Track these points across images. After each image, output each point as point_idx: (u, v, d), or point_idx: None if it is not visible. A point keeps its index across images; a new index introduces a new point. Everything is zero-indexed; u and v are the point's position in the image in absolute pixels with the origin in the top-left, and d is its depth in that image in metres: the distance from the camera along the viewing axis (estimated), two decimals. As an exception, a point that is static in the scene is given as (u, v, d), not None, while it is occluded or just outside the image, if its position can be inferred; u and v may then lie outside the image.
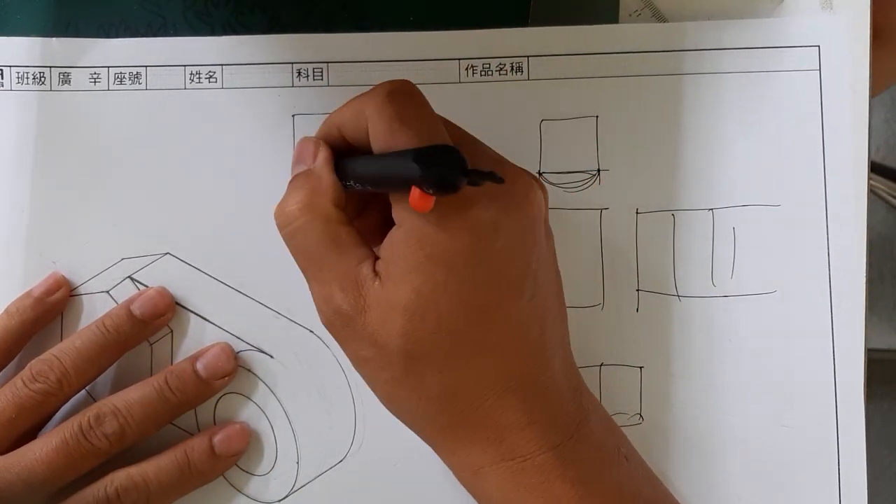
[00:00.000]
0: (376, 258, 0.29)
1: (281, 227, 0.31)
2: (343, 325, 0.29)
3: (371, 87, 0.30)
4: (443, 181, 0.25)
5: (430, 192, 0.25)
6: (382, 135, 0.29)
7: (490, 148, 0.32)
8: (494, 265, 0.28)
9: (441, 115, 0.37)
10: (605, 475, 0.30)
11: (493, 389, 0.29)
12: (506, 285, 0.29)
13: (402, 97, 0.30)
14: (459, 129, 0.32)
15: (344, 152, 0.32)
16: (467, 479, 0.31)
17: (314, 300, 0.30)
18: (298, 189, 0.31)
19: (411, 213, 0.28)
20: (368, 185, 0.30)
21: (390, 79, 0.31)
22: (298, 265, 0.31)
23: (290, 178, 0.32)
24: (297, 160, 0.32)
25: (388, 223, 0.30)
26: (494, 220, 0.28)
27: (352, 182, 0.30)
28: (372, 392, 0.31)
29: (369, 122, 0.29)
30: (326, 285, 0.29)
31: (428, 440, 0.31)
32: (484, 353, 0.29)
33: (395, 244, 0.29)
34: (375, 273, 0.29)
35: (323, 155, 0.31)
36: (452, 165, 0.25)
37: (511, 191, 0.29)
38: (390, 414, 0.37)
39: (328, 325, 0.30)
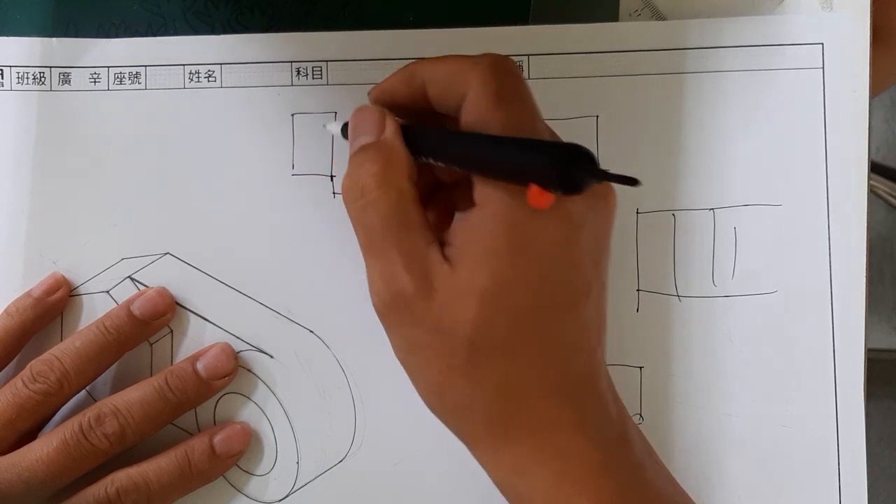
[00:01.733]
0: (443, 243, 0.28)
1: (352, 200, 0.29)
2: (402, 307, 0.28)
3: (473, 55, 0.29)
4: (574, 183, 0.24)
5: (558, 191, 0.25)
6: (482, 108, 0.28)
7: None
8: (574, 262, 0.28)
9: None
10: (646, 477, 0.30)
11: (552, 388, 0.28)
12: (580, 284, 0.28)
13: (509, 74, 0.29)
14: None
15: (413, 108, 0.30)
16: (507, 478, 0.29)
17: (370, 281, 0.29)
18: (370, 161, 0.29)
19: (499, 197, 0.27)
20: (456, 165, 0.28)
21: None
22: (360, 240, 0.29)
23: (350, 150, 0.30)
24: (359, 130, 0.30)
25: (447, 214, 0.29)
26: (582, 217, 0.27)
27: (431, 158, 0.29)
28: (413, 384, 0.30)
29: (470, 89, 0.28)
30: (391, 264, 0.28)
31: (470, 435, 0.30)
32: (550, 350, 0.28)
33: (473, 227, 0.27)
34: (445, 258, 0.28)
35: (392, 126, 0.30)
36: (585, 167, 0.24)
37: (595, 189, 0.28)
38: (390, 414, 0.37)
39: (383, 306, 0.29)
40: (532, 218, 0.27)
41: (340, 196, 0.37)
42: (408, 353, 0.30)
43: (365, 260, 0.30)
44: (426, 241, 0.28)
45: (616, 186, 0.37)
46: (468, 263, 0.27)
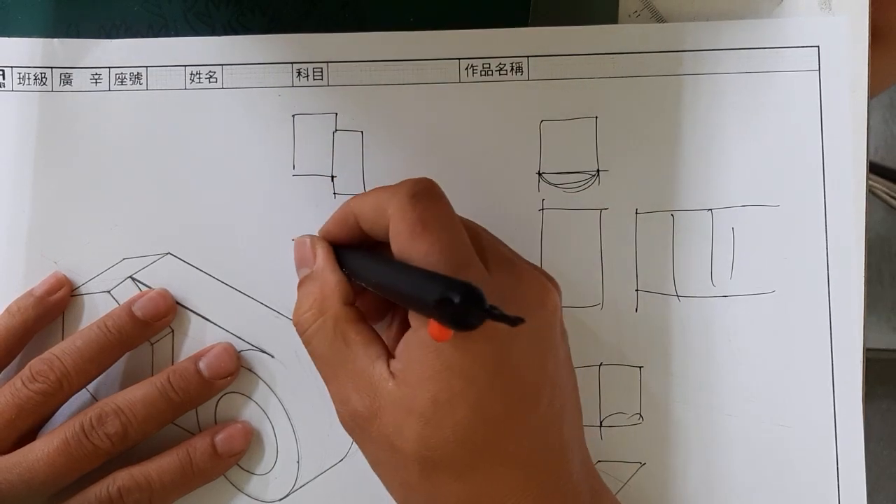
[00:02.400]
0: (390, 357, 0.29)
1: (299, 334, 0.31)
2: (359, 426, 0.29)
3: (395, 184, 0.30)
4: (463, 322, 0.25)
5: (450, 328, 0.25)
6: (403, 238, 0.29)
7: (507, 247, 0.32)
8: (512, 374, 0.28)
9: (441, 114, 0.37)
10: None
11: (512, 498, 0.28)
12: (524, 393, 0.28)
13: (427, 200, 0.29)
14: (478, 226, 0.32)
15: (357, 241, 0.32)
16: None
17: (333, 402, 0.30)
18: (307, 295, 0.31)
19: (426, 323, 0.27)
20: (381, 293, 0.29)
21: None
22: (317, 368, 0.31)
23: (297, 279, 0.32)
24: (299, 263, 0.33)
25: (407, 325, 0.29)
26: (511, 329, 0.27)
27: (362, 283, 0.30)
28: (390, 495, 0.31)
29: (391, 220, 0.29)
30: (342, 387, 0.29)
31: None
32: (502, 462, 0.28)
33: (411, 349, 0.28)
34: (391, 373, 0.28)
35: (321, 255, 0.32)
36: (473, 305, 0.25)
37: (526, 296, 0.28)
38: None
39: (345, 426, 0.30)
40: (459, 342, 0.27)
41: (341, 196, 0.37)
42: (374, 466, 0.30)
43: (324, 382, 0.31)
44: (370, 358, 0.29)
45: (615, 186, 0.37)
46: (409, 383, 0.28)
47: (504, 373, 0.28)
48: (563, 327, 0.31)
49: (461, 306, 0.25)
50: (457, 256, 0.28)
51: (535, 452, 0.29)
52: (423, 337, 0.28)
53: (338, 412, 0.30)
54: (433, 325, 0.25)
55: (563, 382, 0.30)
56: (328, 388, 0.31)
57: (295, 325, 0.31)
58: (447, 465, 0.28)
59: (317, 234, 0.34)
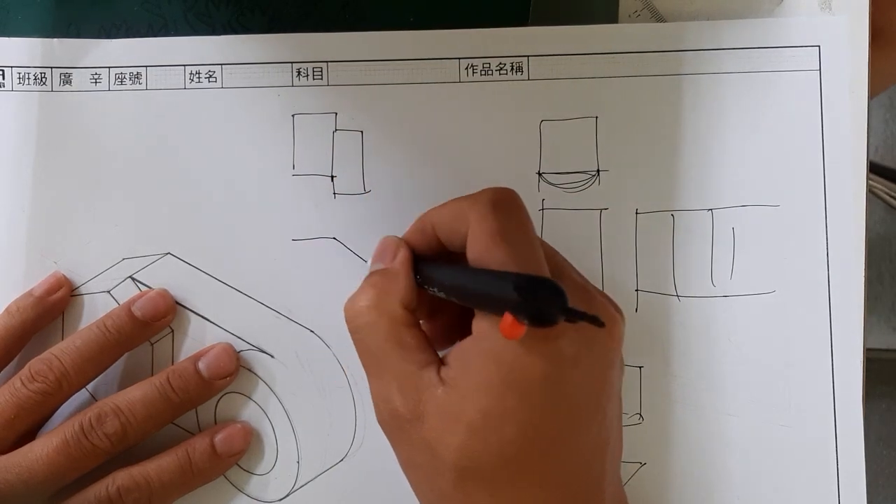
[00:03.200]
0: (441, 364, 0.29)
1: (348, 322, 0.31)
2: (398, 427, 0.29)
3: (475, 191, 0.30)
4: (541, 315, 0.25)
5: (525, 322, 0.25)
6: (481, 246, 0.28)
7: (578, 272, 0.31)
8: (568, 398, 0.28)
9: (441, 114, 0.37)
10: None
11: None
12: (575, 419, 0.28)
13: (506, 210, 0.29)
14: (552, 249, 0.31)
15: (433, 252, 0.32)
16: None
17: (372, 397, 0.30)
18: (370, 287, 0.30)
19: (493, 331, 0.27)
20: (454, 297, 0.29)
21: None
22: (361, 361, 0.30)
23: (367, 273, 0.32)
24: (376, 257, 0.32)
25: (460, 328, 0.29)
26: (576, 354, 0.27)
27: (435, 289, 0.30)
28: (415, 495, 0.30)
29: (469, 229, 0.29)
30: (386, 386, 0.29)
31: None
32: (541, 483, 0.28)
33: (468, 357, 0.28)
34: (440, 380, 0.28)
35: (402, 255, 0.31)
36: (553, 300, 0.25)
37: (594, 326, 0.28)
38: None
39: (383, 424, 0.30)
40: (522, 355, 0.27)
41: (341, 196, 0.37)
42: (406, 468, 0.30)
43: (366, 375, 0.31)
44: (420, 363, 0.29)
45: (615, 186, 0.37)
46: (460, 392, 0.27)
47: (559, 396, 0.27)
48: (621, 359, 0.31)
49: (543, 299, 0.24)
50: (533, 268, 0.28)
51: (574, 479, 0.28)
52: (486, 346, 0.27)
53: (376, 408, 0.30)
54: (506, 321, 0.25)
55: (613, 415, 0.30)
56: (370, 382, 0.30)
57: (347, 312, 0.31)
58: (485, 478, 0.27)
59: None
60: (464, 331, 0.29)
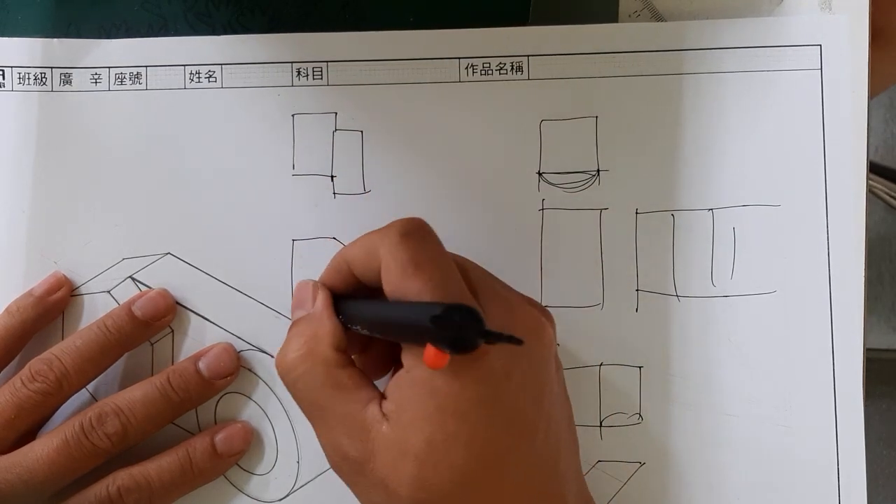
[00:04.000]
0: (382, 397, 0.29)
1: (282, 376, 0.30)
2: (352, 471, 0.29)
3: (383, 226, 0.30)
4: (460, 343, 0.25)
5: (446, 351, 0.25)
6: (395, 278, 0.28)
7: (500, 282, 0.31)
8: (507, 411, 0.28)
9: (441, 114, 0.37)
10: None
11: None
12: (519, 429, 0.28)
13: (417, 239, 0.29)
14: (469, 262, 0.31)
15: (352, 290, 0.31)
16: None
17: (322, 447, 0.30)
18: (298, 336, 0.30)
19: (421, 361, 0.27)
20: (377, 333, 0.29)
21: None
22: (304, 412, 0.30)
23: (290, 322, 0.32)
24: (297, 305, 0.32)
25: (393, 357, 0.29)
26: (506, 367, 0.27)
27: (359, 327, 0.30)
28: None
29: (382, 262, 0.29)
30: (332, 432, 0.29)
31: None
32: (499, 499, 0.28)
33: (403, 389, 0.28)
34: (383, 415, 0.28)
35: (322, 298, 0.31)
36: (469, 325, 0.25)
37: (520, 331, 0.28)
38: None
39: (337, 470, 0.30)
40: (453, 380, 0.27)
41: (341, 196, 0.37)
42: None
43: (312, 427, 0.30)
44: (362, 402, 0.28)
45: (615, 186, 0.37)
46: (403, 424, 0.27)
47: (499, 411, 0.27)
48: (558, 360, 0.31)
49: (459, 326, 0.24)
50: (450, 293, 0.28)
51: (531, 488, 0.28)
52: (416, 376, 0.27)
53: (328, 457, 0.30)
54: (429, 352, 0.25)
55: (559, 416, 0.30)
56: (317, 432, 0.30)
57: (278, 367, 0.30)
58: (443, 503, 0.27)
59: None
60: (397, 358, 0.29)
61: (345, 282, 0.32)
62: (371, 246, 0.30)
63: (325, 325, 0.30)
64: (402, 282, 0.28)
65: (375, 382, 0.30)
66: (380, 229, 0.30)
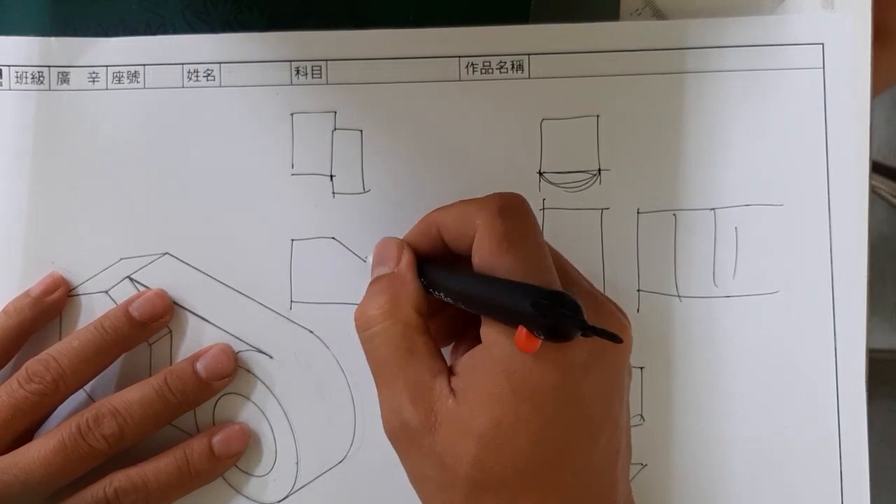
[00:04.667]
0: (450, 373, 0.28)
1: (360, 330, 0.30)
2: (408, 438, 0.28)
3: (483, 196, 0.30)
4: (558, 331, 0.24)
5: (541, 337, 0.25)
6: (488, 251, 0.28)
7: (584, 278, 0.31)
8: (580, 407, 0.27)
9: (441, 113, 0.37)
10: None
11: None
12: (587, 428, 0.28)
13: (515, 216, 0.29)
14: (558, 254, 0.31)
15: (435, 253, 0.31)
16: None
17: (381, 408, 0.29)
18: (380, 293, 0.30)
19: (502, 340, 0.27)
20: (462, 303, 0.28)
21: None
22: (371, 369, 0.30)
23: (370, 279, 0.32)
24: (379, 262, 0.32)
25: (458, 328, 0.29)
26: (586, 363, 0.27)
27: (442, 294, 0.29)
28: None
29: (477, 233, 0.29)
30: (397, 395, 0.28)
31: None
32: (553, 494, 0.27)
33: (477, 367, 0.27)
34: (451, 390, 0.28)
35: (407, 259, 0.31)
36: (570, 316, 0.25)
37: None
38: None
39: (392, 435, 0.29)
40: (533, 365, 0.26)
41: (340, 196, 0.37)
42: (415, 481, 0.30)
43: (376, 386, 0.30)
44: (433, 371, 0.28)
45: (616, 185, 0.37)
46: (471, 402, 0.27)
47: (571, 405, 0.27)
48: (630, 367, 0.31)
49: (559, 315, 0.24)
50: (540, 276, 0.28)
51: (587, 488, 0.28)
52: (495, 354, 0.27)
53: (385, 419, 0.29)
54: (521, 334, 0.25)
55: (623, 422, 0.29)
56: (379, 392, 0.30)
57: (357, 320, 0.30)
58: (498, 489, 0.27)
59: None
60: (462, 331, 0.29)
61: (431, 245, 0.31)
62: (467, 214, 0.30)
63: (408, 286, 0.30)
64: (495, 256, 0.28)
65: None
66: (478, 199, 0.30)
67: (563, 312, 0.24)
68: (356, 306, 0.31)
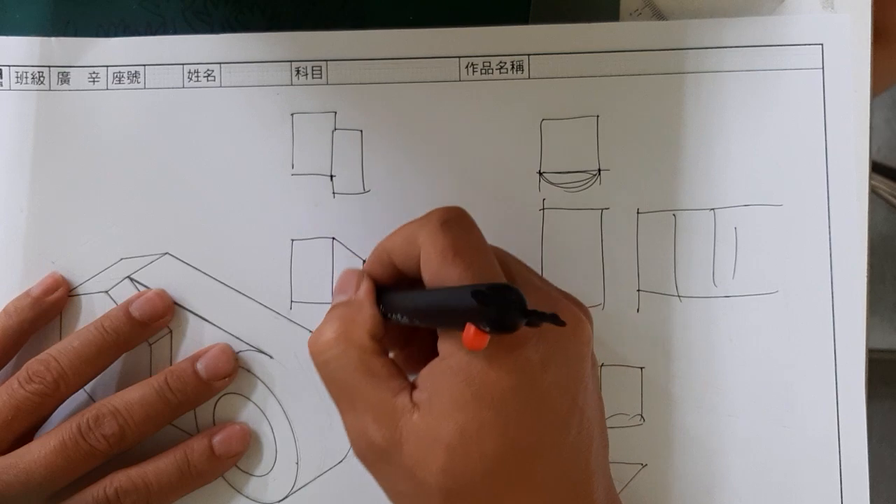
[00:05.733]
0: (412, 388, 0.29)
1: (314, 356, 0.30)
2: (377, 458, 0.28)
3: (422, 215, 0.30)
4: (502, 321, 0.24)
5: (487, 330, 0.25)
6: (435, 265, 0.28)
7: (538, 275, 0.31)
8: (542, 403, 0.28)
9: (441, 113, 0.37)
10: None
11: None
12: (552, 423, 0.28)
13: (456, 227, 0.29)
14: (509, 255, 0.31)
15: (394, 281, 0.31)
16: None
17: (347, 432, 0.30)
18: (335, 319, 0.30)
19: (458, 349, 0.27)
20: (417, 320, 0.29)
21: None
22: (331, 396, 0.30)
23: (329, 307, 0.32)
24: (339, 290, 0.32)
25: (431, 355, 0.29)
26: (543, 359, 0.27)
27: (398, 315, 0.30)
28: None
29: (422, 250, 0.29)
30: (360, 417, 0.29)
31: None
32: (528, 491, 0.28)
33: (437, 377, 0.28)
34: (414, 404, 0.28)
35: (364, 287, 0.31)
36: (512, 304, 0.25)
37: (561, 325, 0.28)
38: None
39: (361, 457, 0.29)
40: (489, 368, 0.27)
41: (340, 196, 0.37)
42: (393, 498, 0.30)
43: (339, 411, 0.30)
44: (393, 390, 0.28)
45: (616, 185, 0.37)
46: (434, 413, 0.27)
47: (533, 401, 0.27)
48: (594, 358, 0.31)
49: (501, 304, 0.24)
50: (488, 279, 0.28)
51: (561, 482, 0.28)
52: (453, 364, 0.27)
53: (353, 443, 0.29)
54: (469, 332, 0.25)
55: (592, 413, 0.30)
56: (343, 417, 0.30)
57: (311, 346, 0.30)
58: (472, 495, 0.27)
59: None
60: (429, 356, 0.29)
61: (386, 273, 0.31)
62: (410, 235, 0.30)
63: (363, 311, 0.30)
64: (441, 269, 0.28)
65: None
66: (420, 218, 0.30)
67: (505, 302, 0.24)
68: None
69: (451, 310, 0.27)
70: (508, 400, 0.27)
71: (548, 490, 0.28)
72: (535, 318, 0.25)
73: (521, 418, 0.27)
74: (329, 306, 0.32)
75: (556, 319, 0.25)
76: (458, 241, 0.29)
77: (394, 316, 0.30)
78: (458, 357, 0.27)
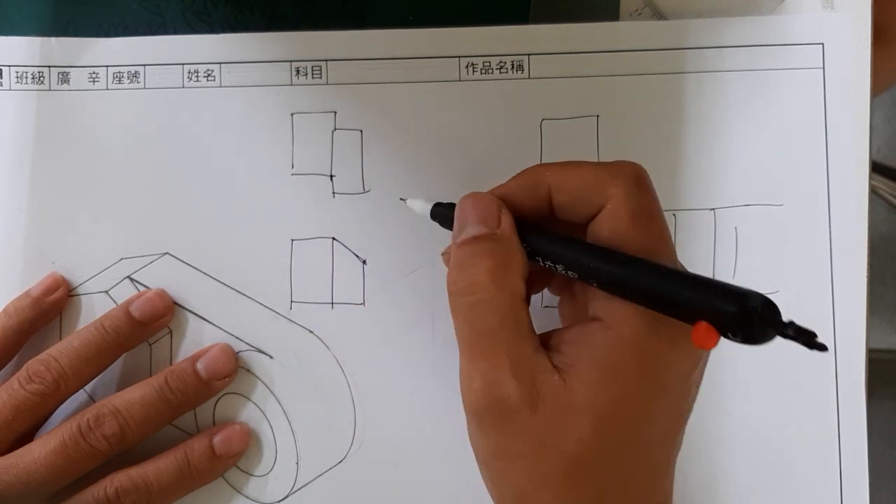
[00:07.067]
0: (547, 348, 0.27)
1: (460, 294, 0.27)
2: (501, 413, 0.26)
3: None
4: (759, 336, 0.23)
5: (736, 339, 0.23)
6: (619, 224, 0.27)
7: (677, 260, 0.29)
8: (686, 396, 0.27)
9: (441, 113, 0.37)
10: None
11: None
12: (681, 415, 0.28)
13: (648, 190, 0.28)
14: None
15: (535, 217, 0.29)
16: None
17: (468, 379, 0.27)
18: (485, 256, 0.27)
19: (631, 320, 0.26)
20: (592, 281, 0.26)
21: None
22: (462, 335, 0.28)
23: (456, 237, 0.29)
24: (474, 219, 0.29)
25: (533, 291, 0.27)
26: (700, 354, 0.27)
27: (560, 266, 0.27)
28: (492, 487, 0.28)
29: (610, 202, 0.27)
30: (496, 368, 0.26)
31: None
32: (640, 474, 0.27)
33: (596, 344, 0.26)
34: (554, 367, 0.26)
35: (508, 220, 0.28)
36: (769, 318, 0.23)
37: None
38: (390, 414, 0.36)
39: (479, 409, 0.27)
40: (668, 350, 0.26)
41: (340, 195, 0.37)
42: (497, 458, 0.28)
43: (464, 357, 0.28)
44: (534, 347, 0.27)
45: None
46: (585, 380, 0.26)
47: (684, 393, 0.27)
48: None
49: (762, 320, 0.22)
50: (669, 256, 0.27)
51: (668, 469, 0.28)
52: (625, 336, 0.26)
53: (475, 391, 0.27)
54: (701, 331, 0.23)
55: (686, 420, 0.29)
56: (471, 362, 0.27)
57: (454, 283, 0.27)
58: (601, 469, 0.26)
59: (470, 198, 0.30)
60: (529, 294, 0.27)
61: (534, 205, 0.29)
62: (597, 182, 0.27)
63: (516, 253, 0.28)
64: (630, 230, 0.27)
65: None
66: (606, 165, 0.28)
67: (773, 317, 0.23)
68: (450, 268, 0.28)
69: (690, 303, 0.24)
70: (673, 385, 0.26)
71: (658, 473, 0.28)
72: (793, 334, 0.22)
73: (671, 404, 0.27)
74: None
75: (821, 347, 0.22)
76: (654, 205, 0.27)
77: (545, 263, 0.27)
78: (631, 328, 0.26)
